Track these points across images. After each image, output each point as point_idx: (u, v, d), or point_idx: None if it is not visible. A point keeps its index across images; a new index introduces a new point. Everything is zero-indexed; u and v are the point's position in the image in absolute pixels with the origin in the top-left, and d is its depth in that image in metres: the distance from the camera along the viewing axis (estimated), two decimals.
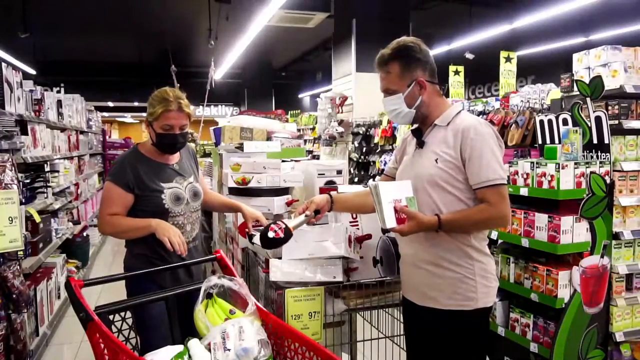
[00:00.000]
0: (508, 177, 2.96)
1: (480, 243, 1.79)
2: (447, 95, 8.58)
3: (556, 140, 2.92)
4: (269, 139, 3.21)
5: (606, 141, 2.67)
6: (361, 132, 6.90)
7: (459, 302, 1.74)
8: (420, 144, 1.84)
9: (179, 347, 1.51)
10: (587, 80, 2.75)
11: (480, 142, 1.70)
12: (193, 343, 1.50)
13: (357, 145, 6.97)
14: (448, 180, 1.74)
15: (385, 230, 1.77)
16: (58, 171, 4.77)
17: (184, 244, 2.04)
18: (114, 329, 1.68)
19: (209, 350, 1.50)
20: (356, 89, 7.22)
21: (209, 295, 1.69)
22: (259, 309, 1.72)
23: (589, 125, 2.73)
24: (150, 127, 2.18)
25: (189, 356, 1.47)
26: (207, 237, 3.76)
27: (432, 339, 1.82)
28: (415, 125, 1.91)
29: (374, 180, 2.30)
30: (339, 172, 2.69)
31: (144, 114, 2.35)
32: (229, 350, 1.46)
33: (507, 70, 7.63)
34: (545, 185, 2.68)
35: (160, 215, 2.12)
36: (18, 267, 2.77)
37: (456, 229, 1.73)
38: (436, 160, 1.75)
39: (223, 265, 1.96)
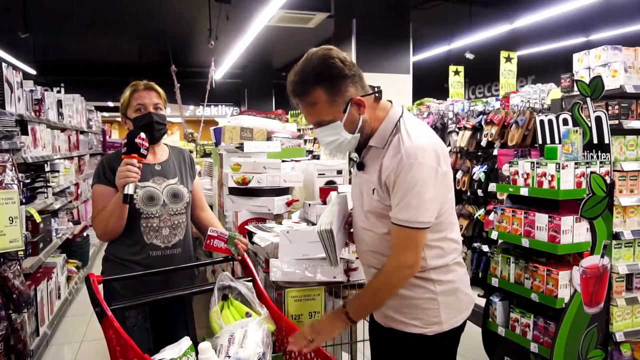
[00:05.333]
0: (508, 177, 2.96)
1: (439, 267, 1.56)
2: (447, 95, 8.62)
3: (556, 140, 2.92)
4: (269, 139, 3.20)
5: (606, 141, 2.67)
6: None
7: (420, 327, 1.55)
8: (360, 166, 1.60)
9: (187, 344, 1.50)
10: (587, 80, 2.75)
11: (414, 174, 1.42)
12: (204, 346, 1.49)
13: None
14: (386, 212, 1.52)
15: None
16: (58, 171, 4.78)
17: (136, 171, 1.88)
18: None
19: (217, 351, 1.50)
20: None
21: (224, 297, 1.69)
22: (273, 312, 1.71)
23: (589, 125, 2.73)
24: (126, 119, 2.11)
25: (195, 357, 1.47)
26: None
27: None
28: None
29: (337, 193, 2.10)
30: (339, 172, 2.69)
31: None
32: (229, 357, 1.46)
33: (507, 70, 7.64)
34: (545, 185, 2.68)
35: (132, 216, 1.99)
36: (18, 267, 2.77)
37: (367, 307, 1.61)
38: (373, 191, 1.52)
39: (244, 267, 1.95)
